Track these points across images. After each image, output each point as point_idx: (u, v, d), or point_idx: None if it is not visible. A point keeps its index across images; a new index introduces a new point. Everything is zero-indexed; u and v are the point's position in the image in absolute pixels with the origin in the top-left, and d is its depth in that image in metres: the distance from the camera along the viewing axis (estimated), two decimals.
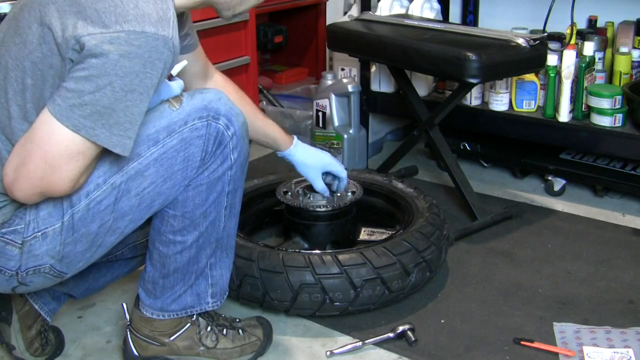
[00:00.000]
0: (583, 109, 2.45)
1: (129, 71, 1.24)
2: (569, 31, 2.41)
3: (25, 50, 1.29)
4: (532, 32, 2.57)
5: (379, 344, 1.74)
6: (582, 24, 2.72)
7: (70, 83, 1.24)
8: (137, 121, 1.30)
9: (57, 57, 1.27)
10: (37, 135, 1.26)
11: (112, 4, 1.25)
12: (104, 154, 1.34)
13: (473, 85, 2.34)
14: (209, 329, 1.65)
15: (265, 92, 3.28)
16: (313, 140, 2.95)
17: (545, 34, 2.32)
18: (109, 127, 1.27)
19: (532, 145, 2.67)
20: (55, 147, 1.25)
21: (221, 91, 1.48)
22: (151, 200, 1.43)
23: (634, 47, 2.58)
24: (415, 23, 2.48)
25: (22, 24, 1.31)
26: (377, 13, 2.74)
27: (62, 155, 1.26)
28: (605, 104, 2.39)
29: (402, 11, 2.78)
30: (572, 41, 2.41)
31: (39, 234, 1.37)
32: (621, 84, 2.51)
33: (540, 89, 2.56)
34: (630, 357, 1.65)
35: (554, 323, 1.81)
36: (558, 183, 2.59)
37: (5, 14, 2.16)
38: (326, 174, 1.99)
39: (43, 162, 1.26)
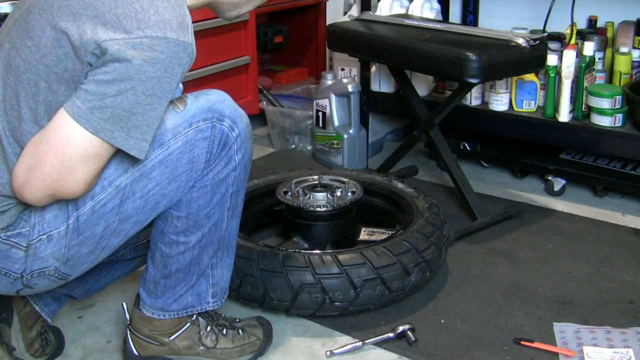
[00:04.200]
0: (583, 109, 2.45)
1: (151, 76, 1.26)
2: (569, 31, 2.41)
3: (38, 54, 1.29)
4: (532, 32, 2.57)
5: (379, 344, 1.74)
6: (582, 24, 2.72)
7: (91, 86, 1.25)
8: (154, 124, 1.31)
9: (74, 60, 1.27)
10: (54, 137, 1.26)
11: (132, 10, 1.26)
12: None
13: (473, 85, 2.34)
14: (208, 328, 1.65)
15: (265, 92, 3.28)
16: (313, 140, 2.95)
17: (545, 34, 2.32)
18: (127, 130, 1.28)
19: (532, 145, 2.67)
20: (72, 149, 1.26)
21: (225, 93, 1.48)
22: (156, 201, 1.43)
23: (634, 47, 2.58)
24: (415, 23, 2.48)
25: (34, 26, 1.30)
26: (377, 13, 2.75)
27: (80, 157, 1.26)
28: (605, 104, 2.39)
29: (402, 11, 2.78)
30: (572, 41, 2.41)
31: (44, 236, 1.37)
32: (621, 84, 2.51)
33: (540, 89, 2.56)
34: (630, 357, 1.65)
35: (554, 323, 1.81)
36: (558, 183, 2.59)
37: (5, 14, 2.17)
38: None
39: (59, 163, 1.26)
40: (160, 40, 1.26)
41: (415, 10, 2.76)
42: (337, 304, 1.77)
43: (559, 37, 2.54)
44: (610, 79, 2.58)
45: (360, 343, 1.73)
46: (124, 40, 1.24)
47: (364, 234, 2.14)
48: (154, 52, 1.25)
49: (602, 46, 2.60)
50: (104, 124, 1.26)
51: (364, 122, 2.88)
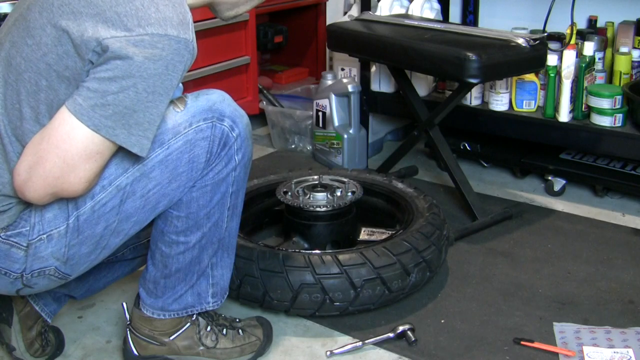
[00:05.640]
0: (583, 109, 2.45)
1: (153, 73, 1.26)
2: (569, 31, 2.41)
3: (39, 52, 1.29)
4: (532, 32, 2.57)
5: (379, 344, 1.74)
6: (582, 24, 2.72)
7: (92, 83, 1.25)
8: (156, 122, 1.31)
9: (75, 58, 1.27)
10: (55, 135, 1.26)
11: (133, 8, 1.26)
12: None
13: (473, 85, 2.34)
14: (208, 328, 1.65)
15: (265, 92, 3.28)
16: (313, 140, 2.95)
17: (545, 34, 2.32)
18: (128, 127, 1.28)
19: (532, 145, 2.67)
20: (74, 146, 1.26)
21: (225, 92, 1.48)
22: (156, 201, 1.43)
23: (634, 47, 2.58)
24: (415, 23, 2.48)
25: (34, 25, 1.30)
26: (377, 13, 2.75)
27: (81, 154, 1.26)
28: (605, 104, 2.39)
29: (402, 11, 2.78)
30: (572, 41, 2.41)
31: (44, 236, 1.37)
32: (621, 84, 2.51)
33: (540, 89, 2.56)
34: (630, 357, 1.65)
35: (554, 323, 1.81)
36: (558, 183, 2.59)
37: (5, 14, 2.17)
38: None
39: (61, 161, 1.26)
40: (162, 37, 1.26)
41: (415, 10, 2.76)
42: (337, 304, 1.77)
43: (559, 37, 2.54)
44: (610, 79, 2.58)
45: (360, 343, 1.73)
46: (125, 38, 1.24)
47: (364, 234, 2.14)
48: (155, 49, 1.25)
49: (602, 46, 2.60)
50: (105, 121, 1.26)
51: (364, 122, 2.88)
